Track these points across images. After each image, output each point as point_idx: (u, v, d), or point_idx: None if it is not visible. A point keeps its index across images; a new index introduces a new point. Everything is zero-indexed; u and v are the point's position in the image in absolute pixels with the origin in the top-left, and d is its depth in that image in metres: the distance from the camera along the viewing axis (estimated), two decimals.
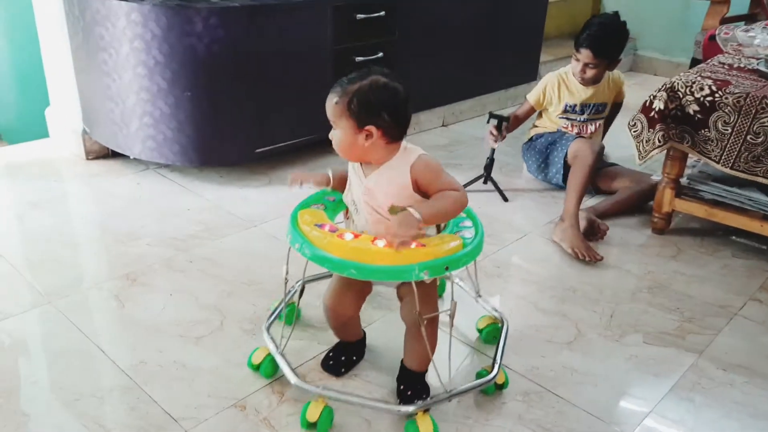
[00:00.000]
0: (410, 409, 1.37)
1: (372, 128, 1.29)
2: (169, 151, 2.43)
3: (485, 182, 2.57)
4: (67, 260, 2.02)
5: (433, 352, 1.41)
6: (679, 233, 2.32)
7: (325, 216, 1.41)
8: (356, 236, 1.31)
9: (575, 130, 2.56)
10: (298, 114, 2.62)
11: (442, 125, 3.32)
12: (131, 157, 2.55)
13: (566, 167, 2.46)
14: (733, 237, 2.27)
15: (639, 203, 2.46)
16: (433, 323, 1.42)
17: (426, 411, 1.37)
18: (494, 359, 1.54)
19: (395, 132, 1.32)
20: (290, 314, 1.65)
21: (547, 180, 2.63)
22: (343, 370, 1.55)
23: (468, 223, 1.45)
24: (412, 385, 1.45)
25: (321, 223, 1.36)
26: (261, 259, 2.03)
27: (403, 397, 1.45)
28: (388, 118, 1.29)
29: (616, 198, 2.46)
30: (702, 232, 2.33)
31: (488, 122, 2.53)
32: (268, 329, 1.57)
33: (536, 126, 2.67)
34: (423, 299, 1.33)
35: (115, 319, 1.74)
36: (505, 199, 2.51)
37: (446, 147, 3.06)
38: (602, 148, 2.46)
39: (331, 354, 1.58)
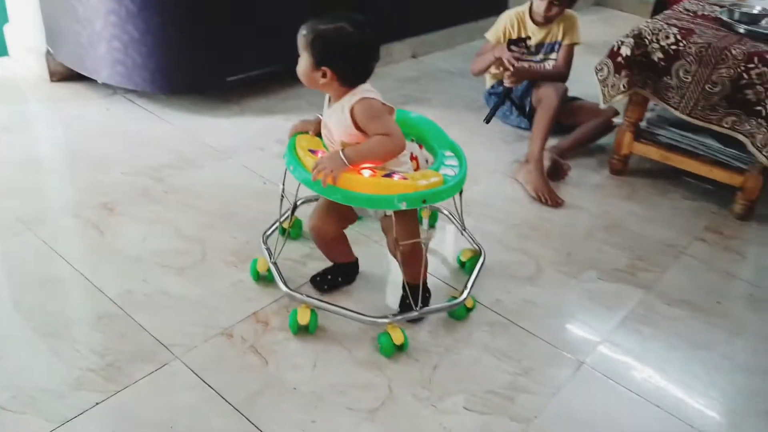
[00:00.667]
0: (384, 321, 1.55)
1: (327, 70, 1.40)
2: (138, 77, 2.40)
3: (487, 122, 2.56)
4: (41, 187, 2.02)
5: (423, 268, 1.57)
6: (634, 174, 2.45)
7: (321, 142, 1.53)
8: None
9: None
10: (270, 42, 2.59)
11: (412, 57, 3.33)
12: (99, 82, 2.50)
13: (531, 111, 2.54)
14: (685, 177, 2.41)
15: (599, 137, 2.56)
16: (416, 248, 1.56)
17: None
18: (465, 284, 1.68)
19: (349, 78, 1.43)
20: (284, 230, 1.78)
21: (512, 124, 2.70)
22: (326, 287, 1.69)
23: (454, 162, 1.59)
24: (408, 294, 1.60)
25: (314, 149, 1.48)
26: (239, 192, 2.08)
27: (401, 304, 1.64)
28: (343, 64, 1.40)
29: (576, 135, 2.55)
30: (654, 173, 2.46)
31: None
32: (265, 240, 1.73)
33: (494, 71, 2.71)
34: (403, 228, 1.49)
35: (97, 248, 1.78)
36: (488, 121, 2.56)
37: (417, 80, 3.09)
38: (566, 90, 2.54)
39: (320, 271, 1.71)
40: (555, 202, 2.19)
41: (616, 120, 2.52)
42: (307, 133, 1.58)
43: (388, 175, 1.43)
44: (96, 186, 2.03)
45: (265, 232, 1.78)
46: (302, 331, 1.55)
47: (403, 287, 1.62)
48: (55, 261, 1.71)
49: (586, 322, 1.73)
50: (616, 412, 1.46)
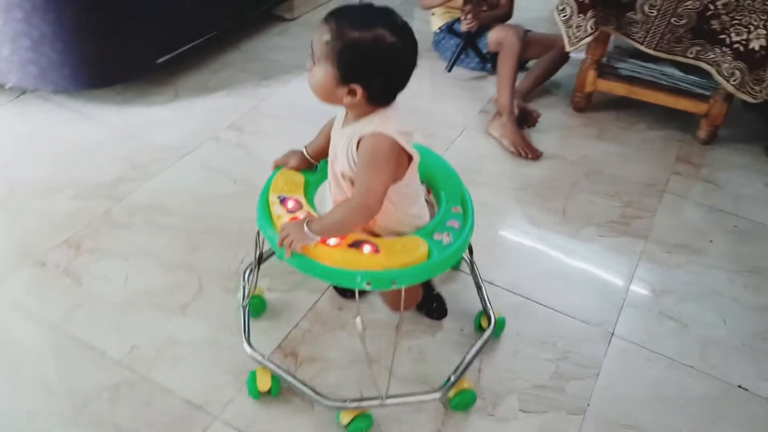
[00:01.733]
0: (347, 405, 1.32)
1: (357, 87, 1.12)
2: (57, 76, 2.08)
3: (449, 70, 2.47)
4: None
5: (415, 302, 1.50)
6: (596, 109, 2.44)
7: (301, 182, 1.31)
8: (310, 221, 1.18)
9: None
10: (198, 14, 2.31)
11: None
12: (7, 87, 2.15)
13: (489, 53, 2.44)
14: (645, 106, 2.42)
15: (556, 71, 2.52)
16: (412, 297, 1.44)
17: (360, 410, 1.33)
18: (458, 367, 1.39)
19: (383, 98, 1.16)
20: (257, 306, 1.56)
21: (469, 67, 2.60)
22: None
23: (457, 223, 1.28)
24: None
25: (285, 196, 1.27)
26: (210, 200, 1.89)
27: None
28: (379, 83, 1.13)
29: (536, 74, 2.50)
30: (616, 105, 2.46)
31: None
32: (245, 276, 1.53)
33: (436, 15, 2.57)
34: (395, 294, 1.26)
35: (79, 301, 1.58)
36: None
37: None
38: (525, 32, 2.44)
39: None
40: (534, 155, 2.15)
41: (575, 54, 2.47)
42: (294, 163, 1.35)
43: (357, 244, 1.18)
44: (48, 219, 1.79)
45: (245, 270, 1.56)
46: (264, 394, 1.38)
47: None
48: (35, 326, 1.50)
49: (602, 288, 1.74)
50: (657, 381, 1.50)
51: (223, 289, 1.63)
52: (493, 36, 2.38)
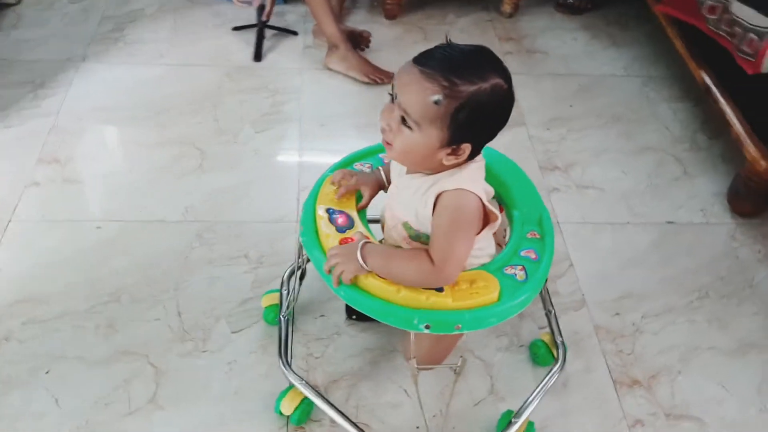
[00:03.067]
0: None
1: (467, 147, 0.94)
2: None
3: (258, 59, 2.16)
4: None
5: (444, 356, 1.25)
6: (407, 13, 2.41)
7: (352, 198, 1.11)
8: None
9: None
10: None
11: None
12: None
13: None
14: None
15: None
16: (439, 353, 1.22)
17: None
18: (525, 402, 1.19)
19: (477, 153, 0.99)
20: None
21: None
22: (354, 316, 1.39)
23: (533, 254, 1.06)
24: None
25: (335, 210, 1.08)
26: (83, 260, 1.52)
27: None
28: (487, 137, 0.97)
29: None
30: (421, 4, 2.45)
31: None
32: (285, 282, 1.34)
33: None
34: (433, 340, 1.12)
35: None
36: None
37: None
38: None
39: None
40: (387, 77, 2.08)
41: None
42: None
43: None
44: None
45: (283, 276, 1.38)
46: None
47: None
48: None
49: None
50: (610, 247, 1.65)
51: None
52: None
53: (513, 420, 1.17)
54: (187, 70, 2.07)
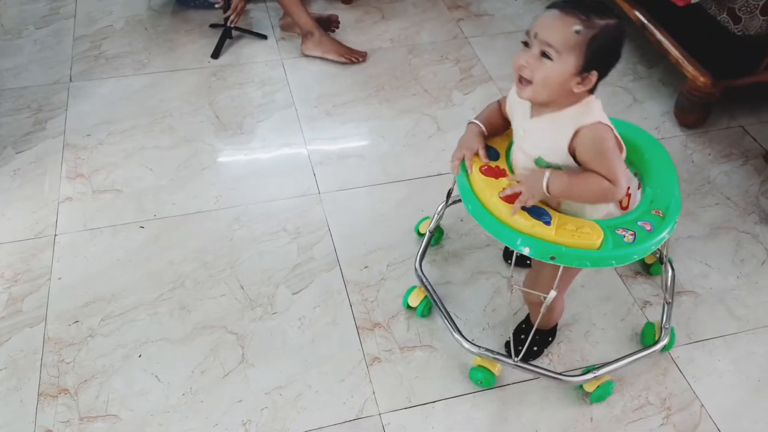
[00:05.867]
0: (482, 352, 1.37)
1: (594, 75, 1.10)
2: None
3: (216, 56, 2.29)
4: None
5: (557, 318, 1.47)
6: None
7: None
8: (496, 174, 1.19)
9: None
10: None
11: None
12: None
13: None
14: None
15: None
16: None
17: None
18: (662, 320, 1.45)
19: (598, 82, 1.14)
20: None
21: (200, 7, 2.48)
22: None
23: (649, 224, 1.17)
24: (526, 339, 1.41)
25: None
26: (141, 265, 1.66)
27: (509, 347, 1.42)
28: (608, 68, 1.12)
29: None
30: None
31: None
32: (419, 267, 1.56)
33: None
34: (547, 276, 1.25)
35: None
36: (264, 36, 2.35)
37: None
38: None
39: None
40: (362, 55, 2.27)
41: None
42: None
43: (536, 211, 1.15)
44: None
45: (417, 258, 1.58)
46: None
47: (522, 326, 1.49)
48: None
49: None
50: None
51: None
52: None
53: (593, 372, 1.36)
54: (173, 75, 2.20)
